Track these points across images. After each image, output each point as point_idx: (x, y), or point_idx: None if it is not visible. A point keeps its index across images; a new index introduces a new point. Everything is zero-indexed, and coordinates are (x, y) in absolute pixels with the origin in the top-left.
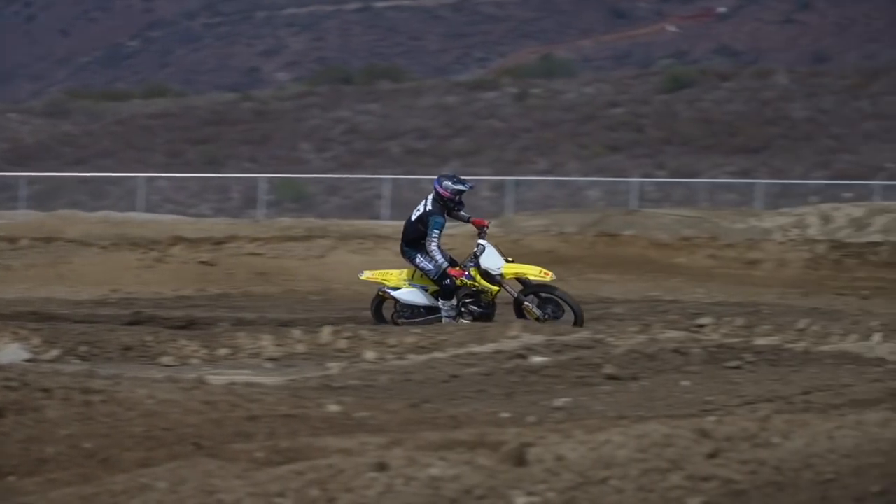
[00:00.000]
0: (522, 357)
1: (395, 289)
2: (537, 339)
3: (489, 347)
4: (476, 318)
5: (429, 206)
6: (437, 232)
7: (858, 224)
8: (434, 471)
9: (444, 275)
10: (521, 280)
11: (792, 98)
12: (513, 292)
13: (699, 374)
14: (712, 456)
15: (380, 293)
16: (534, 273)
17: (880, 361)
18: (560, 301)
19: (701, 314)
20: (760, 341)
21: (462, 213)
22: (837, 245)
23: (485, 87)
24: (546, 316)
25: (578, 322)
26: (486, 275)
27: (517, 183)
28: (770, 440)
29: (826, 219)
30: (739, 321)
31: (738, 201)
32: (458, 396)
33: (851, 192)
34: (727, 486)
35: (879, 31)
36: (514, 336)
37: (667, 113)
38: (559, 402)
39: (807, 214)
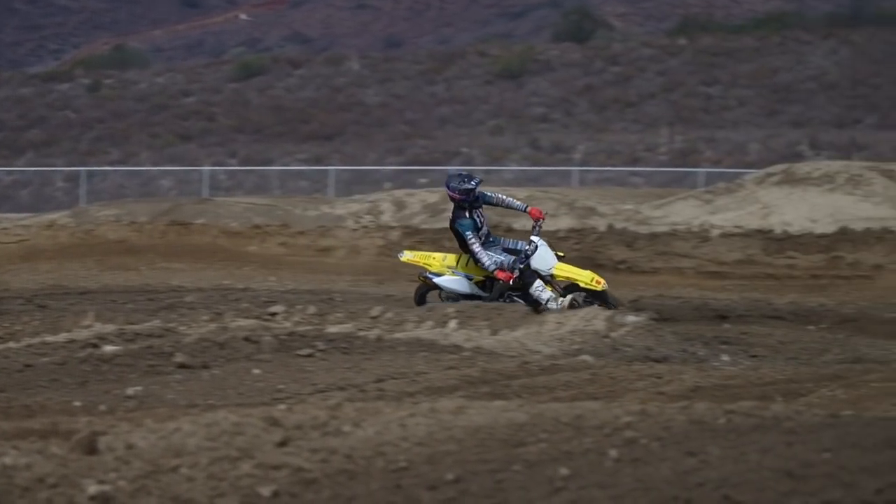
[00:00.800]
0: (95, 346)
1: (438, 275)
2: (109, 328)
3: (63, 337)
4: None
5: (454, 213)
6: (470, 234)
7: (433, 210)
8: (7, 460)
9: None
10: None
11: (365, 84)
12: (558, 287)
13: (271, 362)
14: (283, 444)
15: (421, 278)
16: (585, 280)
17: (455, 349)
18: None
19: (273, 302)
20: (333, 329)
21: (510, 200)
22: (411, 231)
23: (58, 79)
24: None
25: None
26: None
27: (90, 174)
28: (341, 428)
29: (400, 205)
30: (312, 309)
31: (312, 189)
32: (31, 386)
33: (426, 177)
34: (298, 474)
35: (453, 16)
36: (87, 325)
37: (239, 101)
38: (131, 390)
39: (380, 201)
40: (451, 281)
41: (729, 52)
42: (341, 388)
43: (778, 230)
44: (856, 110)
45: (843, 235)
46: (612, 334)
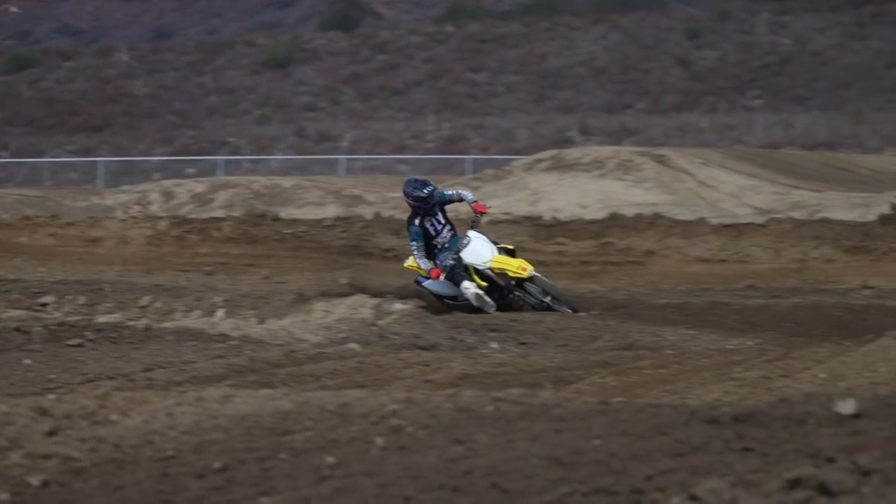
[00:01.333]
0: None
1: (426, 279)
2: None
3: None
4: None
5: (409, 216)
6: (414, 243)
7: (201, 200)
8: None
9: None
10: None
11: (134, 75)
12: (501, 283)
13: (41, 352)
14: (52, 434)
15: (416, 282)
16: (513, 269)
17: (223, 337)
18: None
19: (43, 293)
20: (102, 319)
21: (464, 193)
22: (180, 221)
23: None
24: (540, 304)
25: (574, 309)
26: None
27: None
28: (109, 417)
29: (168, 195)
30: (82, 299)
31: (81, 180)
32: None
33: (194, 167)
34: (67, 463)
35: (221, 6)
36: None
37: (9, 94)
38: None
39: (149, 191)
40: (434, 284)
41: (497, 39)
42: (110, 378)
43: (547, 216)
44: (626, 95)
45: (614, 221)
46: (380, 322)
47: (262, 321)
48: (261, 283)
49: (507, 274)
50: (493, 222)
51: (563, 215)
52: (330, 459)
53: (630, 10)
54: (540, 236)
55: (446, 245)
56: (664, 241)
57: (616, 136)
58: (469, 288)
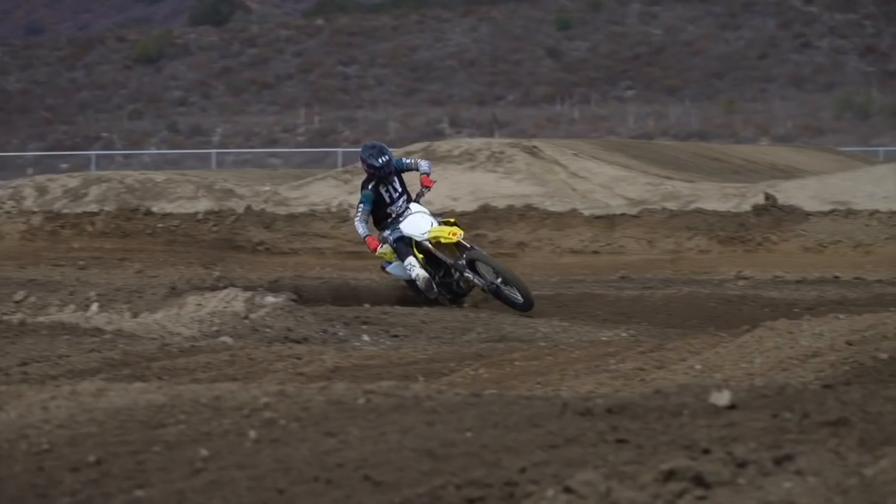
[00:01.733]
0: None
1: (390, 263)
2: None
3: None
4: (451, 299)
5: (363, 181)
6: (361, 206)
7: (74, 195)
8: None
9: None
10: (458, 246)
11: (6, 71)
12: (447, 260)
13: None
14: None
15: (381, 268)
16: (444, 235)
17: (97, 331)
18: (484, 266)
19: None
20: None
21: (420, 163)
22: (53, 216)
23: None
24: (490, 286)
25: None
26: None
27: None
28: None
29: (42, 190)
30: None
31: None
32: None
33: (68, 162)
34: None
35: (92, 1)
36: None
37: None
38: None
39: (23, 186)
40: (394, 267)
41: (367, 32)
42: None
43: None
44: (496, 87)
45: (485, 213)
46: (252, 315)
47: (135, 315)
48: (134, 278)
49: (451, 249)
50: None
51: (434, 207)
52: (203, 452)
53: (500, 1)
54: None
55: (400, 214)
56: (536, 233)
57: (487, 128)
58: (415, 268)
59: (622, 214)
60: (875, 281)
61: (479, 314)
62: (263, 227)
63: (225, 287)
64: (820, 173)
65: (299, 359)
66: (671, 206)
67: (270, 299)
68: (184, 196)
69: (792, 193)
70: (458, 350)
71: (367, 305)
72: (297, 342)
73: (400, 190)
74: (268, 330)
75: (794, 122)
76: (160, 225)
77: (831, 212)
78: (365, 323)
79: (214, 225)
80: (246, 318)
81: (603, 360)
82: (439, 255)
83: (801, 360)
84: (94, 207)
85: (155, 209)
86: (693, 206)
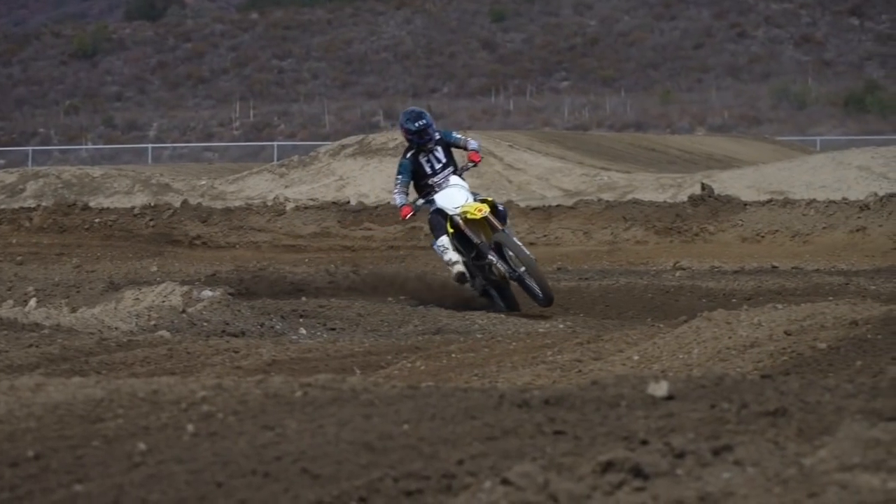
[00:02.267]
0: None
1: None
2: None
3: None
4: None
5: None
6: (399, 178)
7: (11, 190)
8: None
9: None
10: (491, 226)
11: None
12: (475, 239)
13: None
14: None
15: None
16: (471, 210)
17: (36, 326)
18: (509, 251)
19: None
20: None
21: (467, 141)
22: None
23: None
24: (513, 273)
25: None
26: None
27: None
28: None
29: None
30: None
31: None
32: None
33: (4, 158)
34: None
35: None
36: None
37: None
38: None
39: None
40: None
41: (301, 26)
42: None
43: (353, 202)
44: (431, 80)
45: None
46: (189, 310)
47: (73, 310)
48: (72, 272)
49: (484, 229)
50: (300, 208)
51: (370, 200)
52: (142, 446)
53: None
54: (347, 221)
55: (434, 187)
56: None
57: None
58: (447, 251)
59: (558, 206)
60: (813, 270)
61: (415, 307)
62: (200, 221)
63: (162, 281)
64: (757, 163)
65: (237, 352)
66: (607, 197)
67: (207, 293)
68: (120, 191)
69: (729, 183)
70: (395, 343)
71: (303, 299)
72: (235, 336)
73: (444, 161)
74: (205, 324)
75: (730, 112)
76: (97, 220)
77: (769, 201)
78: (302, 316)
79: (151, 219)
80: (183, 312)
81: (540, 351)
82: (469, 233)
83: (740, 350)
84: (31, 203)
85: (92, 204)
86: (629, 196)
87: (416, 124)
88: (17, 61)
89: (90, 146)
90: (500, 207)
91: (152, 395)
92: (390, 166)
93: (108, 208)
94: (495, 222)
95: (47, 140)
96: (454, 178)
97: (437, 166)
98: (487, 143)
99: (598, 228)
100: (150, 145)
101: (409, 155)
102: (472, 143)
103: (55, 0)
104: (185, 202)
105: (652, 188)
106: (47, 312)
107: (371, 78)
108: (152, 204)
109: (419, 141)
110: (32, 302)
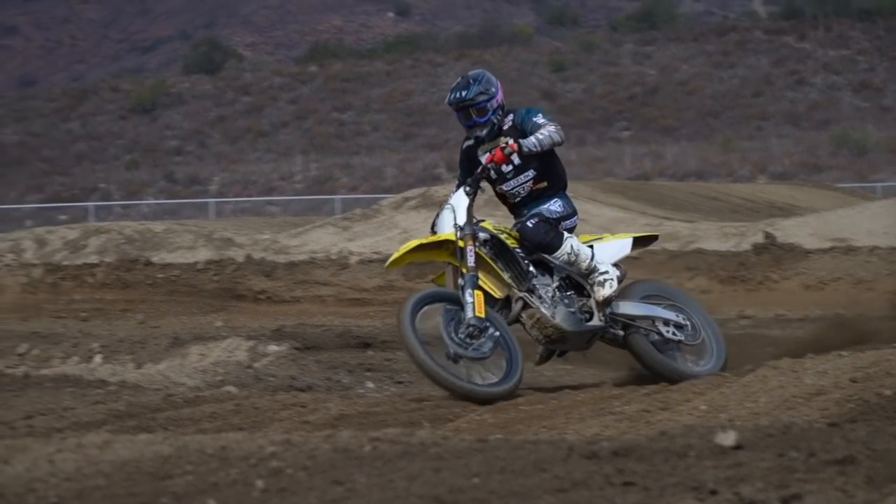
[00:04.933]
0: None
1: None
2: None
3: None
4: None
5: None
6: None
7: (74, 246)
8: None
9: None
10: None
11: (1, 123)
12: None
13: None
14: None
15: None
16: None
17: (102, 383)
18: None
19: None
20: None
21: (542, 132)
22: (53, 268)
23: None
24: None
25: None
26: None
27: None
28: None
29: (41, 242)
30: None
31: None
32: None
33: (66, 214)
34: None
35: (85, 52)
36: None
37: None
38: None
39: (22, 239)
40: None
41: (361, 78)
42: None
43: None
44: None
45: None
46: (256, 364)
47: (139, 366)
48: (136, 328)
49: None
50: (364, 262)
51: None
52: (211, 503)
53: (494, 45)
54: (412, 275)
55: (517, 203)
56: None
57: None
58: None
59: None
60: (878, 317)
61: None
62: (264, 275)
63: (227, 336)
64: (818, 210)
65: (304, 407)
66: (671, 246)
67: (273, 347)
68: (183, 246)
69: (791, 231)
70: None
71: (370, 352)
72: (302, 390)
73: (518, 162)
74: (272, 378)
75: (790, 160)
76: (161, 275)
77: (831, 249)
78: (369, 370)
79: (215, 274)
80: (249, 367)
81: (607, 402)
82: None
83: (806, 398)
84: (94, 259)
85: (155, 259)
86: (693, 246)
87: (454, 95)
88: (77, 116)
89: (151, 201)
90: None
91: (221, 451)
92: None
93: (171, 263)
94: (462, 263)
95: (108, 195)
96: (455, 196)
97: (507, 168)
98: None
99: (662, 278)
100: (211, 199)
101: (463, 145)
102: (543, 132)
103: (113, 54)
104: (248, 256)
105: (715, 237)
106: (113, 369)
107: (432, 129)
108: (216, 259)
109: (464, 123)
110: (98, 358)
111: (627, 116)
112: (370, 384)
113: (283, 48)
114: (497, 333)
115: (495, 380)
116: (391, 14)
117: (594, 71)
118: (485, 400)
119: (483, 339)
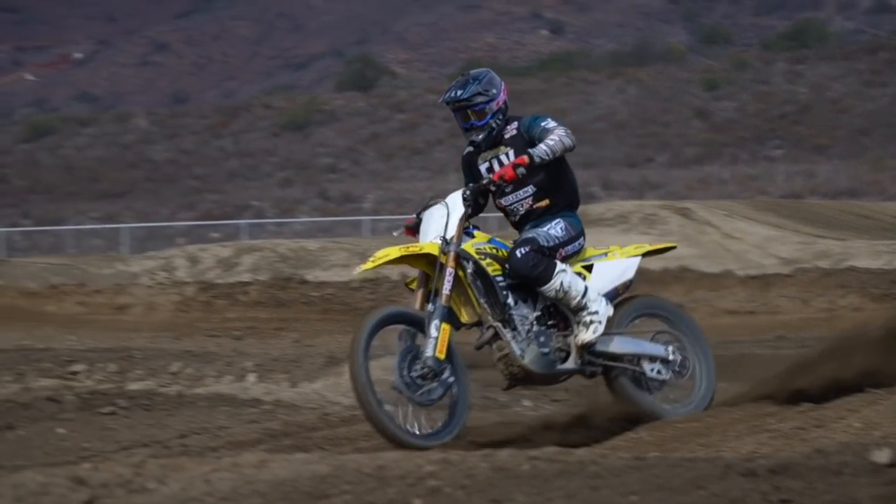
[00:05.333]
0: None
1: None
2: None
3: None
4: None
5: None
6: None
7: (227, 264)
8: None
9: None
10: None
11: (153, 140)
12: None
13: (74, 420)
14: (89, 503)
15: None
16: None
17: (255, 402)
18: None
19: (74, 361)
20: (133, 386)
21: (551, 137)
22: (206, 286)
23: None
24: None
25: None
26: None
27: None
28: (146, 485)
29: (194, 260)
30: (112, 367)
31: (106, 247)
32: None
33: (219, 232)
34: None
35: (236, 69)
36: None
37: (29, 161)
38: None
39: (174, 257)
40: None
41: (515, 96)
42: (145, 445)
43: None
44: (646, 149)
45: (641, 275)
46: None
47: (294, 385)
48: (291, 347)
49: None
50: None
51: None
52: None
53: (647, 63)
54: None
55: (518, 220)
56: (692, 294)
57: (638, 190)
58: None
59: (776, 274)
60: None
61: None
62: None
63: (382, 355)
64: None
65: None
66: (823, 264)
67: None
68: (338, 264)
69: None
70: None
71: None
72: None
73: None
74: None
75: None
76: (315, 293)
77: None
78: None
79: (370, 293)
80: None
81: (763, 420)
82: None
83: None
84: (247, 277)
85: (309, 277)
86: (845, 263)
87: (449, 94)
88: (229, 134)
89: (305, 218)
90: (543, 239)
91: (378, 470)
92: (609, 236)
93: (325, 282)
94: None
95: (261, 213)
96: (449, 199)
97: (503, 183)
98: (704, 213)
99: (815, 296)
100: (365, 217)
101: (464, 152)
102: (553, 136)
103: (264, 72)
104: (403, 275)
105: (867, 255)
106: (267, 388)
107: (587, 148)
108: (371, 277)
109: (461, 125)
110: (252, 377)
111: (780, 135)
112: (527, 402)
113: (436, 65)
114: (451, 380)
115: (429, 431)
116: (545, 32)
117: (746, 89)
118: (410, 448)
119: (435, 385)
